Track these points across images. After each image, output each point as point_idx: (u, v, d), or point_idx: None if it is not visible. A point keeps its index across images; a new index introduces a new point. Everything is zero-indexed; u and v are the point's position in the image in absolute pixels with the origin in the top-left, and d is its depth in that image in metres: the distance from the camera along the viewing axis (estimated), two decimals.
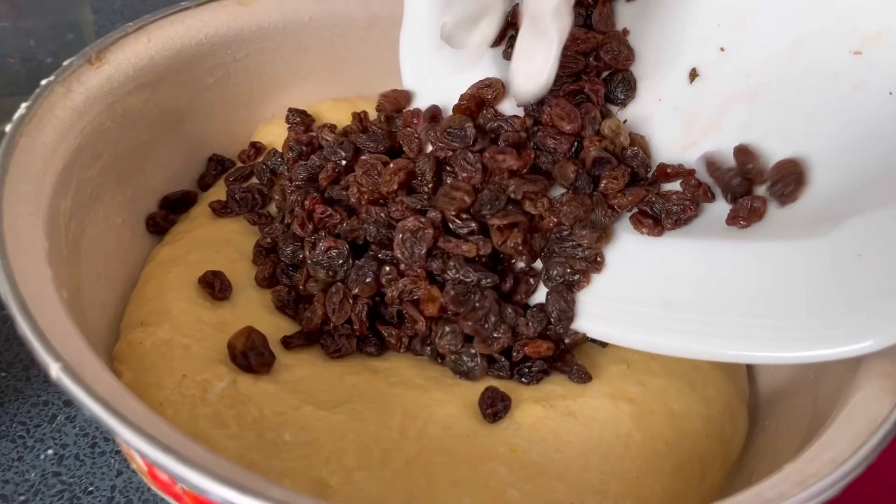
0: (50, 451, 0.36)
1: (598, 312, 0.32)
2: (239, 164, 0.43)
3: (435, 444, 0.29)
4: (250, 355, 0.31)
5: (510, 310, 0.32)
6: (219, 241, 0.38)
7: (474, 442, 0.29)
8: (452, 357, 0.32)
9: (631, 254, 0.33)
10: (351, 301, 0.33)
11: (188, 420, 0.30)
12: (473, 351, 0.32)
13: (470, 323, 0.31)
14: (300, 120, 0.43)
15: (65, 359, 0.22)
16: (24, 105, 0.32)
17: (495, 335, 0.32)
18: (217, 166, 0.43)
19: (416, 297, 0.33)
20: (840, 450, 0.24)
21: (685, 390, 0.34)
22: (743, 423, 0.35)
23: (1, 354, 0.40)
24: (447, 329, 0.32)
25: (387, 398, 0.31)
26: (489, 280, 0.32)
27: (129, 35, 0.38)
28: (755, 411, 0.37)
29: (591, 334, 0.33)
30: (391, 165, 0.34)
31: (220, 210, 0.39)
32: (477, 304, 0.32)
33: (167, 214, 0.40)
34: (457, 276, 0.32)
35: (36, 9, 0.43)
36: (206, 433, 0.30)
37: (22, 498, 0.34)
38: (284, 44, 0.44)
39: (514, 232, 0.32)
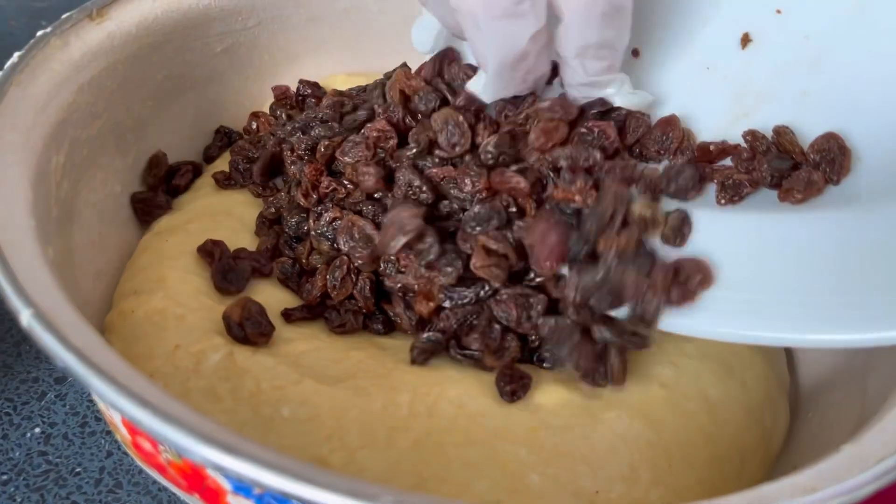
0: (37, 430, 0.34)
1: None
2: (246, 137, 0.41)
3: (447, 424, 0.27)
4: (247, 325, 0.29)
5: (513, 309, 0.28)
6: (221, 211, 0.36)
7: (490, 422, 0.27)
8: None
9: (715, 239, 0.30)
10: (354, 276, 0.31)
11: (180, 393, 0.28)
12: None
13: (476, 336, 0.29)
14: (311, 92, 0.41)
15: (37, 305, 0.20)
16: (16, 54, 0.30)
17: (505, 345, 0.29)
18: (224, 138, 0.41)
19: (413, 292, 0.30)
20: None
21: (723, 375, 0.31)
22: (784, 413, 0.32)
23: None
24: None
25: (394, 374, 0.28)
26: (486, 291, 0.29)
27: None
28: (796, 403, 0.34)
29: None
30: (362, 167, 0.31)
31: (224, 181, 0.37)
32: (475, 322, 0.29)
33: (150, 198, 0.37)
34: (452, 299, 0.29)
35: None
36: (198, 407, 0.27)
37: (4, 477, 0.32)
38: (297, 13, 0.42)
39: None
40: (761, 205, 0.29)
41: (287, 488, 0.17)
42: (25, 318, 0.20)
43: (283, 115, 0.40)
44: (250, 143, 0.38)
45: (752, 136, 0.30)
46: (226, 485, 0.22)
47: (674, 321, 0.27)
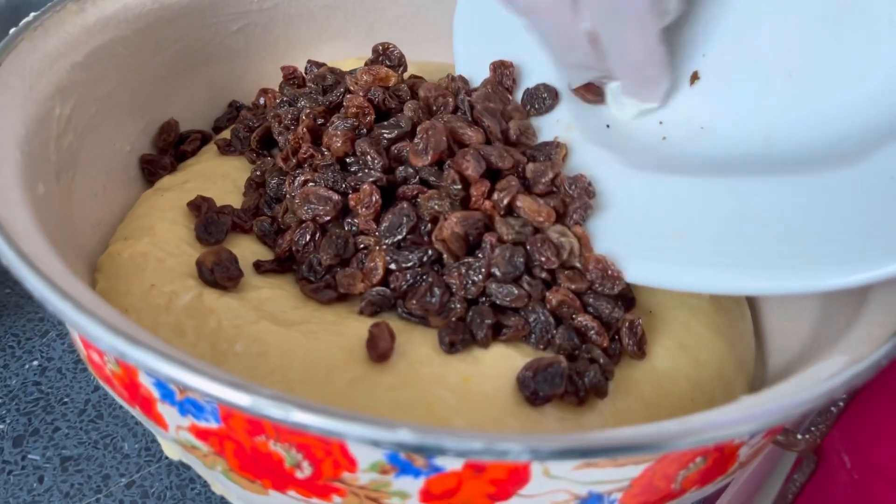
0: (35, 363, 0.36)
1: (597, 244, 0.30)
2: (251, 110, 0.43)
3: (383, 367, 0.28)
4: (217, 270, 0.31)
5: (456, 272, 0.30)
6: (218, 174, 0.38)
7: (426, 369, 0.28)
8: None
9: (635, 190, 0.31)
10: (317, 239, 0.32)
11: (150, 327, 0.30)
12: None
13: (414, 302, 0.30)
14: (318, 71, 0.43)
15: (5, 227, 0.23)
16: (33, 14, 0.33)
17: (449, 306, 0.30)
18: (234, 112, 0.44)
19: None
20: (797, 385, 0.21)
21: (674, 350, 0.31)
22: (739, 394, 0.32)
23: (7, 273, 0.41)
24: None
25: (346, 322, 0.30)
26: (430, 256, 0.30)
27: None
28: (763, 387, 0.34)
29: None
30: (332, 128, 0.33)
31: (225, 147, 0.40)
32: (423, 282, 0.30)
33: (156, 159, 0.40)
34: (397, 262, 0.30)
35: None
36: (165, 340, 0.29)
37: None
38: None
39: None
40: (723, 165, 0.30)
41: (178, 376, 0.19)
42: None
43: (293, 92, 0.43)
44: (253, 115, 0.41)
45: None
46: (155, 392, 0.23)
47: (641, 270, 0.29)
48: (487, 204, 0.30)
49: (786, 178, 0.28)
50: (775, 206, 0.28)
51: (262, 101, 0.43)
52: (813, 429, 0.31)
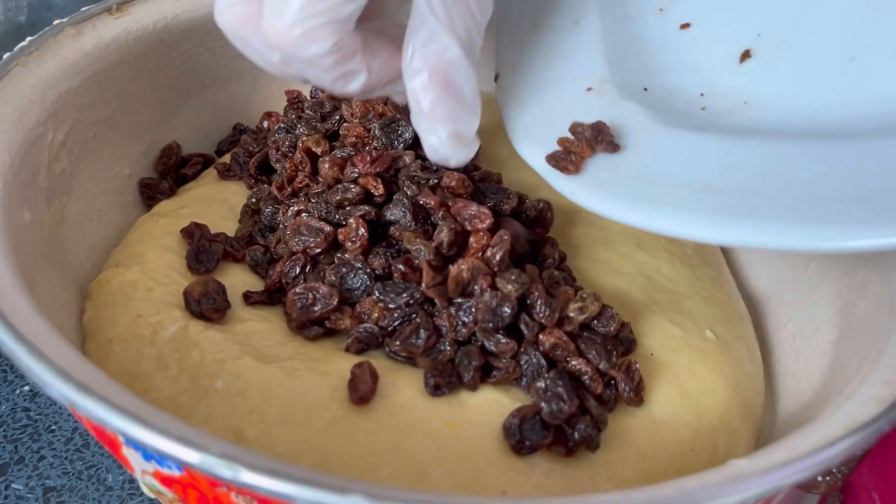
0: (26, 388, 0.36)
1: (609, 188, 0.28)
2: (252, 134, 0.43)
3: (364, 410, 0.27)
4: (203, 301, 0.30)
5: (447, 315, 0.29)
6: (216, 199, 0.38)
7: (408, 412, 0.27)
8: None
9: (664, 143, 0.29)
10: (305, 273, 0.32)
11: (133, 358, 0.29)
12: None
13: (398, 343, 0.29)
14: (323, 94, 0.43)
15: None
16: (29, 38, 0.33)
17: (438, 348, 0.29)
18: (238, 134, 0.43)
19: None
20: (795, 449, 0.20)
21: (675, 396, 0.30)
22: (745, 443, 0.30)
23: None
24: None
25: (331, 359, 0.29)
26: (417, 297, 0.29)
27: None
28: (771, 437, 0.32)
29: (600, 212, 0.28)
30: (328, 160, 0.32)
31: (224, 172, 0.39)
32: (414, 321, 0.29)
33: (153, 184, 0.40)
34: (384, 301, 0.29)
35: None
36: (146, 372, 0.29)
37: None
38: None
39: None
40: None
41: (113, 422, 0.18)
42: None
43: (294, 117, 0.42)
44: (254, 139, 0.40)
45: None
46: (119, 436, 0.23)
47: (658, 219, 0.27)
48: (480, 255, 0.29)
49: (826, 144, 0.26)
50: (811, 168, 0.26)
51: (265, 124, 0.43)
52: (834, 470, 0.29)
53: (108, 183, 0.37)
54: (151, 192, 0.39)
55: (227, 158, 0.41)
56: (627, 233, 0.37)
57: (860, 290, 0.31)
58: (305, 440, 0.26)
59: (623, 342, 0.30)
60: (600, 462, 0.27)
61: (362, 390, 0.27)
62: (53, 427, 0.34)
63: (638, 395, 0.28)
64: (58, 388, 0.19)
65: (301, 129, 0.36)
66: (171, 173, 0.40)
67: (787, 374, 0.34)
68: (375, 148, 0.33)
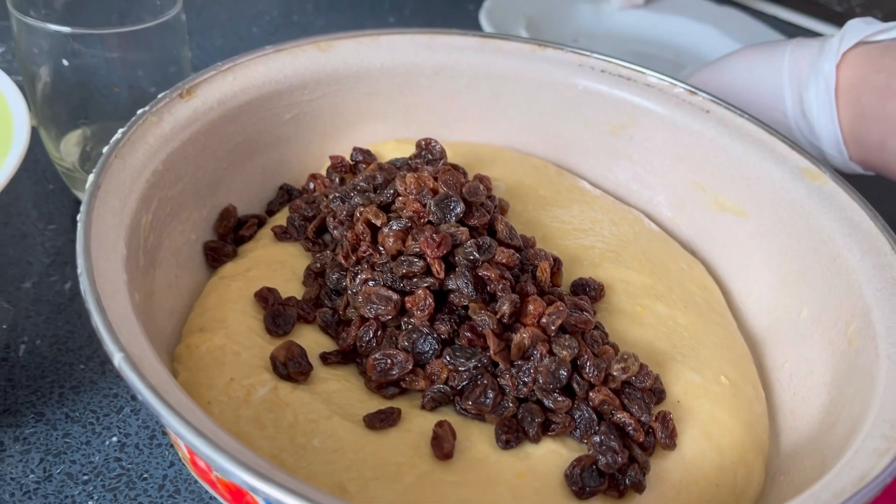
0: (114, 439, 0.40)
1: None
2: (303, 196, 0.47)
3: (446, 464, 0.31)
4: (289, 365, 0.35)
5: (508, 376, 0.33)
6: (277, 261, 0.42)
7: (485, 466, 0.32)
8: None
9: None
10: (378, 336, 0.36)
11: (232, 419, 0.33)
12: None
13: (470, 403, 0.33)
14: (362, 159, 0.47)
15: (127, 350, 0.26)
16: (120, 130, 0.36)
17: (504, 405, 0.33)
18: (285, 195, 0.47)
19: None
20: (822, 502, 0.25)
21: (700, 438, 0.35)
22: (758, 476, 0.36)
23: (83, 349, 0.44)
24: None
25: (408, 417, 0.33)
26: (485, 361, 0.34)
27: (218, 73, 0.42)
28: (775, 467, 0.37)
29: None
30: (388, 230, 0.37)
31: (281, 235, 0.43)
32: (480, 382, 0.33)
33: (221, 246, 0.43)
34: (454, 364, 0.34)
35: (143, 44, 0.48)
36: (246, 432, 0.33)
37: (86, 477, 0.38)
38: (356, 87, 0.48)
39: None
40: None
41: None
42: (117, 359, 0.26)
43: (338, 179, 0.46)
44: (306, 203, 0.44)
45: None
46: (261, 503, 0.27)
47: None
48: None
49: None
50: None
51: (311, 185, 0.47)
52: None
53: (181, 250, 0.41)
54: (217, 255, 0.43)
55: (278, 219, 0.45)
56: (646, 285, 0.42)
57: (849, 340, 0.37)
58: (399, 494, 0.31)
59: (655, 393, 0.35)
60: (645, 500, 0.32)
61: (446, 448, 0.31)
62: (145, 475, 0.38)
63: (672, 441, 0.34)
64: (239, 474, 0.23)
65: (356, 200, 0.41)
66: (230, 235, 0.44)
67: (787, 409, 0.39)
68: (430, 222, 0.38)
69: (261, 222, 0.45)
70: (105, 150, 0.35)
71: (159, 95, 0.39)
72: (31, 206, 0.53)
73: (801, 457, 0.36)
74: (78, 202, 0.54)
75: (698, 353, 0.39)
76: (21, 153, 0.37)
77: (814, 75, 0.49)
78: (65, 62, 0.47)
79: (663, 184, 0.49)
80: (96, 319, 0.27)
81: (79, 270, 0.29)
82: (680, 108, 0.47)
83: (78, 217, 0.32)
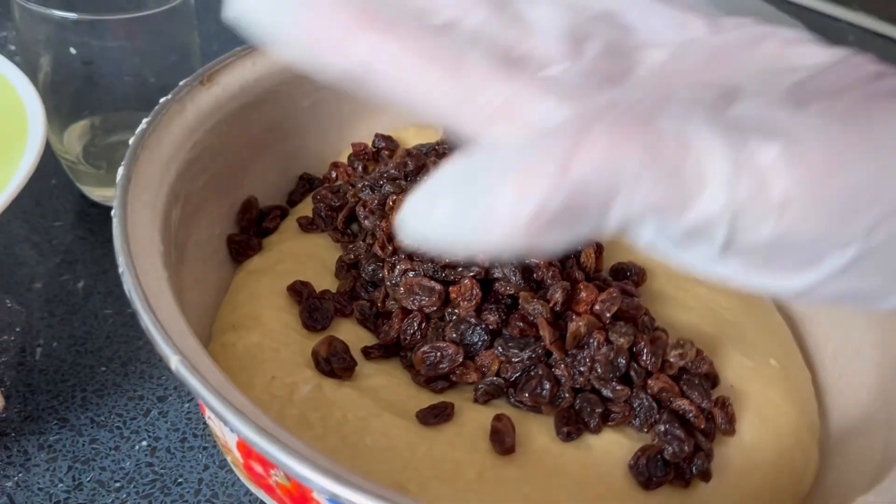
0: (144, 443, 0.38)
1: None
2: (325, 185, 0.45)
3: (507, 459, 0.30)
4: (333, 361, 0.33)
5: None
6: (305, 254, 0.40)
7: (548, 459, 0.30)
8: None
9: None
10: (423, 328, 0.35)
11: (277, 419, 0.32)
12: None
13: (526, 395, 0.32)
14: (385, 145, 0.45)
15: (182, 352, 0.25)
16: (144, 120, 0.35)
17: (560, 396, 0.32)
18: (306, 185, 0.46)
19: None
20: None
21: (757, 423, 0.34)
22: (814, 457, 0.35)
23: (102, 351, 0.42)
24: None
25: (461, 412, 0.32)
26: (539, 352, 0.32)
27: (238, 59, 0.40)
28: (827, 448, 0.37)
29: None
30: None
31: (307, 226, 0.42)
32: (533, 374, 0.32)
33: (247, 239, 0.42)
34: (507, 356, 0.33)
35: (152, 31, 0.46)
36: (293, 432, 0.31)
37: (118, 484, 0.36)
38: None
39: None
40: None
41: None
42: (174, 363, 0.24)
43: (360, 167, 0.45)
44: (331, 193, 0.42)
45: None
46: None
47: None
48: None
49: None
50: None
51: (333, 174, 0.45)
52: None
53: (206, 245, 0.39)
54: (242, 249, 0.41)
55: (301, 210, 0.43)
56: None
57: None
58: (461, 492, 0.29)
59: (710, 378, 0.34)
60: (710, 487, 0.31)
61: (508, 443, 0.30)
62: (180, 480, 0.37)
63: (732, 427, 0.33)
64: (320, 482, 0.22)
65: (388, 188, 0.39)
66: (253, 227, 0.43)
67: (833, 390, 0.39)
68: None
69: (283, 213, 0.44)
70: (131, 141, 0.33)
71: (180, 83, 0.37)
72: (35, 204, 0.51)
73: (854, 438, 0.35)
74: (84, 197, 0.51)
75: (744, 336, 0.38)
76: (34, 161, 0.35)
77: None
78: (72, 50, 0.44)
79: None
80: (146, 321, 0.26)
81: (120, 269, 0.28)
82: None
83: (112, 213, 0.30)
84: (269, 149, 0.44)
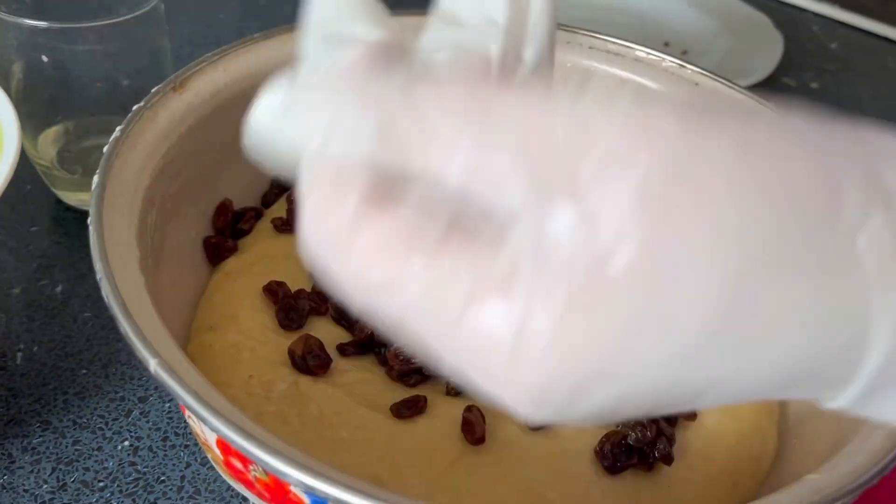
0: (126, 443, 0.39)
1: None
2: None
3: (479, 449, 0.32)
4: (308, 358, 0.34)
5: None
6: (280, 254, 0.41)
7: (516, 447, 0.32)
8: None
9: None
10: None
11: (255, 417, 0.33)
12: None
13: None
14: None
15: (161, 356, 0.26)
16: (118, 128, 0.35)
17: None
18: (279, 186, 0.46)
19: None
20: (857, 463, 0.26)
21: (717, 408, 0.36)
22: (772, 440, 0.37)
23: (82, 354, 0.43)
24: None
25: (434, 404, 0.34)
26: None
27: (209, 64, 0.41)
28: (785, 432, 0.38)
29: None
30: None
31: (281, 226, 0.42)
32: None
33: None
34: None
35: (123, 36, 0.47)
36: (271, 429, 0.32)
37: (101, 484, 0.37)
38: None
39: None
40: None
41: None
42: (153, 366, 0.25)
43: None
44: None
45: None
46: (306, 500, 0.27)
47: None
48: None
49: None
50: None
51: None
52: None
53: (183, 248, 0.40)
54: (217, 251, 0.42)
55: (276, 211, 0.44)
56: None
57: None
58: (434, 479, 0.31)
59: None
60: (673, 470, 0.33)
61: (478, 433, 0.31)
62: (163, 478, 0.38)
63: (693, 412, 0.34)
64: (297, 476, 0.23)
65: None
66: (228, 229, 0.43)
67: None
68: None
69: (258, 214, 0.45)
70: (105, 148, 0.34)
71: (152, 90, 0.38)
72: (10, 209, 0.51)
73: (810, 420, 0.37)
74: (59, 202, 0.52)
75: None
76: (9, 172, 0.35)
77: None
78: (44, 58, 0.45)
79: None
80: (125, 326, 0.26)
81: (98, 276, 0.28)
82: (670, 82, 0.47)
83: (88, 220, 0.31)
84: (241, 152, 0.45)
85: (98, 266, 0.29)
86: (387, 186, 0.17)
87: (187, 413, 0.32)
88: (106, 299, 0.28)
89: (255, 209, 0.45)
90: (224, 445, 0.30)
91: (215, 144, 0.42)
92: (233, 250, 0.42)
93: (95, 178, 0.33)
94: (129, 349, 0.27)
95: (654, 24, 0.80)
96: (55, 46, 0.45)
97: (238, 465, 0.29)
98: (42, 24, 0.43)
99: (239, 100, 0.42)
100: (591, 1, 0.79)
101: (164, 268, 0.37)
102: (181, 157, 0.39)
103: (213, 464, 0.33)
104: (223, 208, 0.43)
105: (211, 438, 0.30)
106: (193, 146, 0.40)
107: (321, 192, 0.17)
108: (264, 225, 0.44)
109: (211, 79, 0.41)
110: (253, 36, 0.44)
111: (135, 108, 0.37)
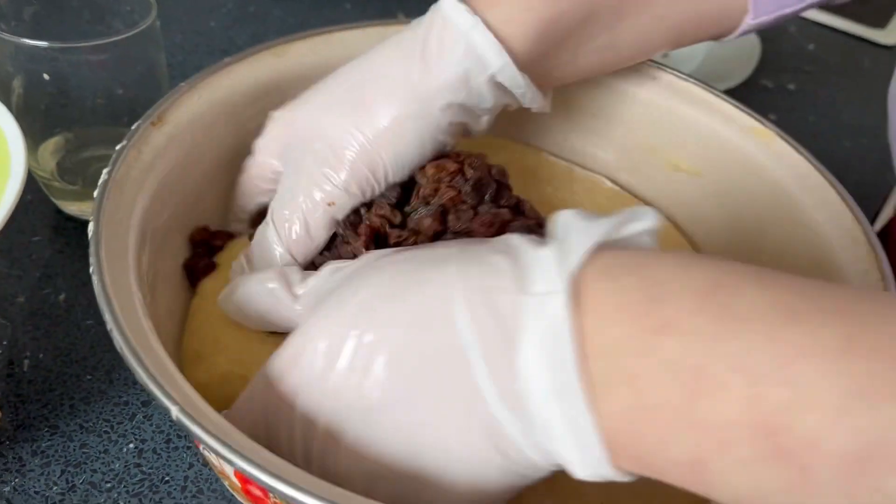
0: (131, 445, 0.43)
1: None
2: None
3: None
4: None
5: None
6: None
7: None
8: None
9: None
10: None
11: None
12: None
13: None
14: None
15: (179, 402, 0.29)
16: (105, 171, 0.38)
17: None
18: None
19: None
20: None
21: None
22: None
23: (87, 359, 0.47)
24: None
25: None
26: None
27: (183, 94, 0.44)
28: None
29: None
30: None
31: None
32: None
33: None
34: None
35: (121, 54, 0.48)
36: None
37: (109, 485, 0.42)
38: None
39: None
40: None
41: None
42: (174, 413, 0.29)
43: None
44: None
45: None
46: None
47: None
48: None
49: None
50: None
51: None
52: None
53: (172, 277, 0.42)
54: (195, 272, 0.44)
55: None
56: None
57: None
58: None
59: None
60: None
61: None
62: (167, 478, 0.42)
63: None
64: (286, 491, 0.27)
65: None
66: (204, 246, 0.46)
67: None
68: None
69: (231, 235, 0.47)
70: (95, 194, 0.37)
71: (132, 127, 0.41)
72: (12, 220, 0.53)
73: None
74: (59, 212, 0.55)
75: None
76: (19, 189, 0.38)
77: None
78: (45, 76, 0.47)
79: (617, 149, 0.53)
80: (142, 376, 0.30)
81: (108, 326, 0.31)
82: (652, 88, 0.50)
83: (90, 270, 0.33)
84: (221, 173, 0.47)
85: (107, 317, 0.32)
86: None
87: (202, 446, 0.34)
88: (120, 350, 0.31)
89: (230, 234, 0.47)
90: (243, 478, 0.33)
91: (197, 172, 0.45)
92: (211, 268, 0.44)
93: (91, 226, 0.35)
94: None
95: None
96: (54, 62, 0.47)
97: (257, 493, 0.33)
98: (42, 44, 0.45)
99: (216, 125, 0.46)
100: None
101: (158, 298, 0.40)
102: (167, 189, 0.42)
103: (231, 491, 0.37)
104: (199, 231, 0.46)
105: (228, 469, 0.33)
106: (176, 176, 0.43)
107: None
108: (242, 242, 0.46)
109: (187, 108, 0.44)
110: (224, 60, 0.46)
111: (118, 147, 0.39)
